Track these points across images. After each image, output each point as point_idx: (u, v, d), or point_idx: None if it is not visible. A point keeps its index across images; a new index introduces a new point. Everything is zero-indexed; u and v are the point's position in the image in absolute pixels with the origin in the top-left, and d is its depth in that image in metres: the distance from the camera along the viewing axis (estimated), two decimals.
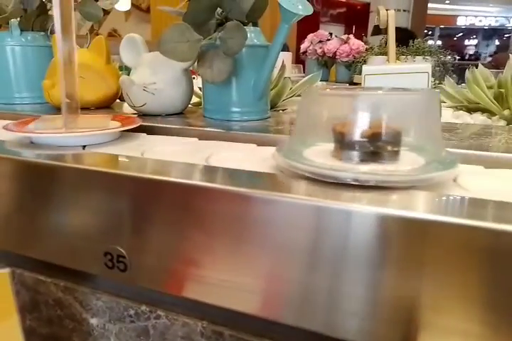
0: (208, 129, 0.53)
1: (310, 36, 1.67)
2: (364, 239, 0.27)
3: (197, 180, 0.31)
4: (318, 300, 0.29)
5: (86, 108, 0.70)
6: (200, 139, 0.50)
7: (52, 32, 0.81)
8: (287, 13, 0.54)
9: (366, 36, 2.32)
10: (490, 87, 0.84)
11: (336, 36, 1.65)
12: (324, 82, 1.64)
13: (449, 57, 1.36)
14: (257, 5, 0.60)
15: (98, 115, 0.57)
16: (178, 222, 0.32)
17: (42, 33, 0.80)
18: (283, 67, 0.83)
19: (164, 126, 0.55)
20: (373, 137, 0.31)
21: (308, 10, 0.55)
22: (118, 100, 0.78)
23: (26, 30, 0.78)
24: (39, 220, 0.37)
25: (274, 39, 0.57)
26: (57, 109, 0.70)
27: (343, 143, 0.32)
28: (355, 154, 0.32)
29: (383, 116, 0.31)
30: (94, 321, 0.38)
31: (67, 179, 0.36)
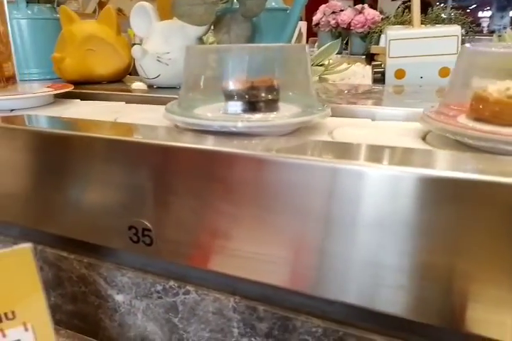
0: None
1: (322, 7, 1.60)
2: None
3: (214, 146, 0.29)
4: (354, 270, 0.27)
5: (98, 82, 0.68)
6: None
7: (59, 4, 0.77)
8: None
9: (377, 8, 2.23)
10: None
11: (349, 6, 1.58)
12: (339, 55, 1.59)
13: (470, 25, 1.30)
14: None
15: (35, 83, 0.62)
16: (203, 191, 0.30)
17: (48, 5, 0.77)
18: (300, 35, 0.79)
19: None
20: (251, 88, 0.33)
21: None
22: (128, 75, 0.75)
23: (32, 2, 0.75)
24: (59, 194, 0.36)
25: (294, 2, 0.54)
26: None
27: (225, 95, 0.34)
28: (235, 104, 0.34)
29: (257, 69, 0.34)
30: (120, 298, 0.37)
31: (78, 148, 0.34)
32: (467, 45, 0.33)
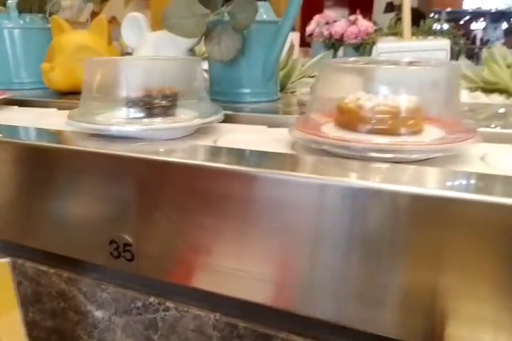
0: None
1: (316, 18, 1.61)
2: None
3: (202, 160, 0.29)
4: (335, 288, 0.27)
5: None
6: None
7: (52, 13, 0.77)
8: None
9: (371, 19, 2.25)
10: (509, 66, 0.80)
11: (343, 17, 1.60)
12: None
13: (461, 38, 1.31)
14: None
15: None
16: (186, 206, 0.30)
17: (40, 15, 0.77)
18: (291, 47, 0.80)
19: None
20: (147, 96, 0.38)
21: None
22: None
23: (24, 11, 0.75)
24: (39, 208, 0.35)
25: (285, 14, 0.54)
26: (58, 94, 0.67)
27: (125, 103, 0.38)
28: (133, 111, 0.38)
29: (153, 79, 0.39)
30: (99, 314, 0.36)
31: (65, 163, 0.33)
32: (328, 60, 0.35)
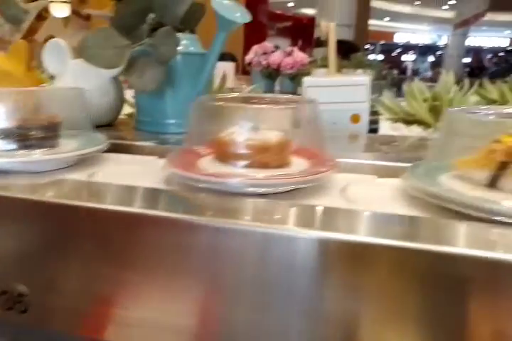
0: (139, 143, 0.49)
1: (255, 47, 1.67)
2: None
3: (111, 204, 0.27)
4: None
5: None
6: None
7: None
8: (224, 20, 0.52)
9: (311, 50, 2.37)
10: (425, 100, 0.87)
11: (276, 47, 1.66)
12: (270, 94, 1.64)
13: (389, 71, 1.41)
14: (193, 11, 0.57)
15: None
16: (85, 252, 0.28)
17: None
18: (224, 77, 0.81)
19: None
20: (20, 127, 0.36)
21: (245, 18, 0.53)
22: None
23: None
24: None
25: (210, 47, 0.54)
26: None
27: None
28: (4, 142, 0.36)
29: (30, 110, 0.38)
30: None
31: None
32: (203, 100, 0.38)
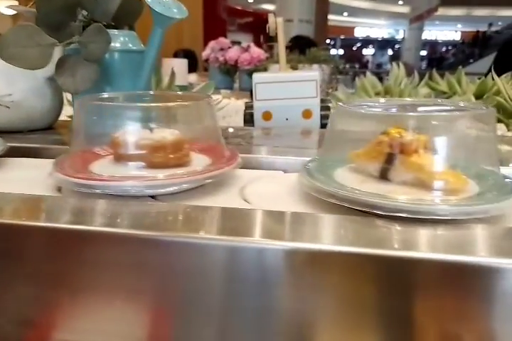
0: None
1: (211, 43, 1.64)
2: None
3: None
4: None
5: None
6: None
7: None
8: (160, 16, 0.49)
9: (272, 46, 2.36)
10: (378, 93, 0.87)
11: (238, 43, 1.64)
12: (228, 90, 1.62)
13: (347, 65, 1.41)
14: (129, 7, 0.54)
15: None
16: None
17: None
18: (172, 74, 0.78)
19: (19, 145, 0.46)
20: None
21: (183, 13, 0.51)
22: None
23: None
24: None
25: (147, 44, 0.52)
26: None
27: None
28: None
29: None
30: None
31: None
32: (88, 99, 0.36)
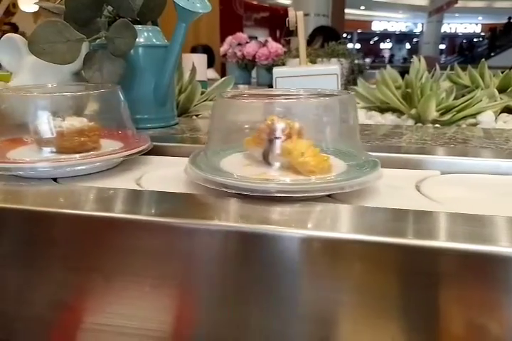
0: None
1: (229, 39, 1.64)
2: None
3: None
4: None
5: None
6: None
7: None
8: (184, 11, 0.50)
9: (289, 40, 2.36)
10: (398, 88, 0.87)
11: (254, 38, 1.64)
12: (246, 85, 1.63)
13: (366, 60, 1.40)
14: (153, 3, 0.55)
15: None
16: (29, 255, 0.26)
17: None
18: (193, 69, 0.79)
19: None
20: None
21: (206, 7, 0.51)
22: None
23: None
24: None
25: (171, 39, 0.53)
26: None
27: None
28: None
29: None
30: None
31: None
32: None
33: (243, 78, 1.61)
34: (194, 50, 2.15)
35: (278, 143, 0.30)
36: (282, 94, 0.38)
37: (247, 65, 1.59)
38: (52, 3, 0.52)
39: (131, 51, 0.52)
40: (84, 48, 0.54)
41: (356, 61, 1.30)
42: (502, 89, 0.84)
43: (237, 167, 0.32)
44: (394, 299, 0.23)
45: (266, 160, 0.31)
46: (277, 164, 0.30)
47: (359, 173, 0.30)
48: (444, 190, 0.33)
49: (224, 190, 0.28)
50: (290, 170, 0.30)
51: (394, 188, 0.33)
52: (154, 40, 0.55)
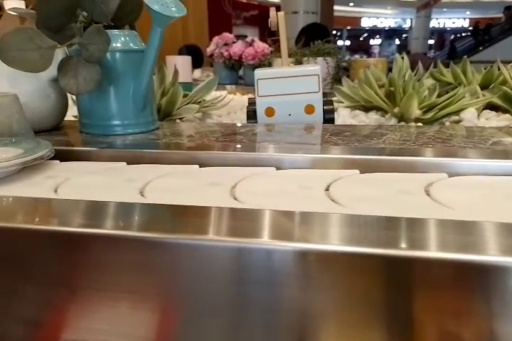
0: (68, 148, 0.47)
1: (215, 39, 1.63)
2: None
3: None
4: None
5: None
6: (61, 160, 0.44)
7: None
8: (159, 15, 0.49)
9: (275, 40, 2.34)
10: (382, 86, 0.87)
11: (244, 36, 1.63)
12: (233, 86, 1.62)
13: (356, 56, 1.40)
14: (129, 7, 0.54)
15: None
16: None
17: None
18: (175, 72, 0.78)
19: None
20: None
21: (182, 11, 0.51)
22: None
23: None
24: None
25: (148, 44, 0.52)
26: None
27: None
28: None
29: None
30: None
31: None
32: None
33: (230, 78, 1.61)
34: (180, 51, 2.14)
35: None
36: None
37: (234, 65, 1.59)
38: (26, 9, 0.51)
39: (108, 56, 0.52)
40: (62, 55, 0.54)
41: (347, 57, 1.30)
42: (484, 86, 0.85)
43: None
44: (376, 311, 0.23)
45: None
46: None
47: None
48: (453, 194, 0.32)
49: None
50: None
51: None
52: (131, 45, 0.55)
